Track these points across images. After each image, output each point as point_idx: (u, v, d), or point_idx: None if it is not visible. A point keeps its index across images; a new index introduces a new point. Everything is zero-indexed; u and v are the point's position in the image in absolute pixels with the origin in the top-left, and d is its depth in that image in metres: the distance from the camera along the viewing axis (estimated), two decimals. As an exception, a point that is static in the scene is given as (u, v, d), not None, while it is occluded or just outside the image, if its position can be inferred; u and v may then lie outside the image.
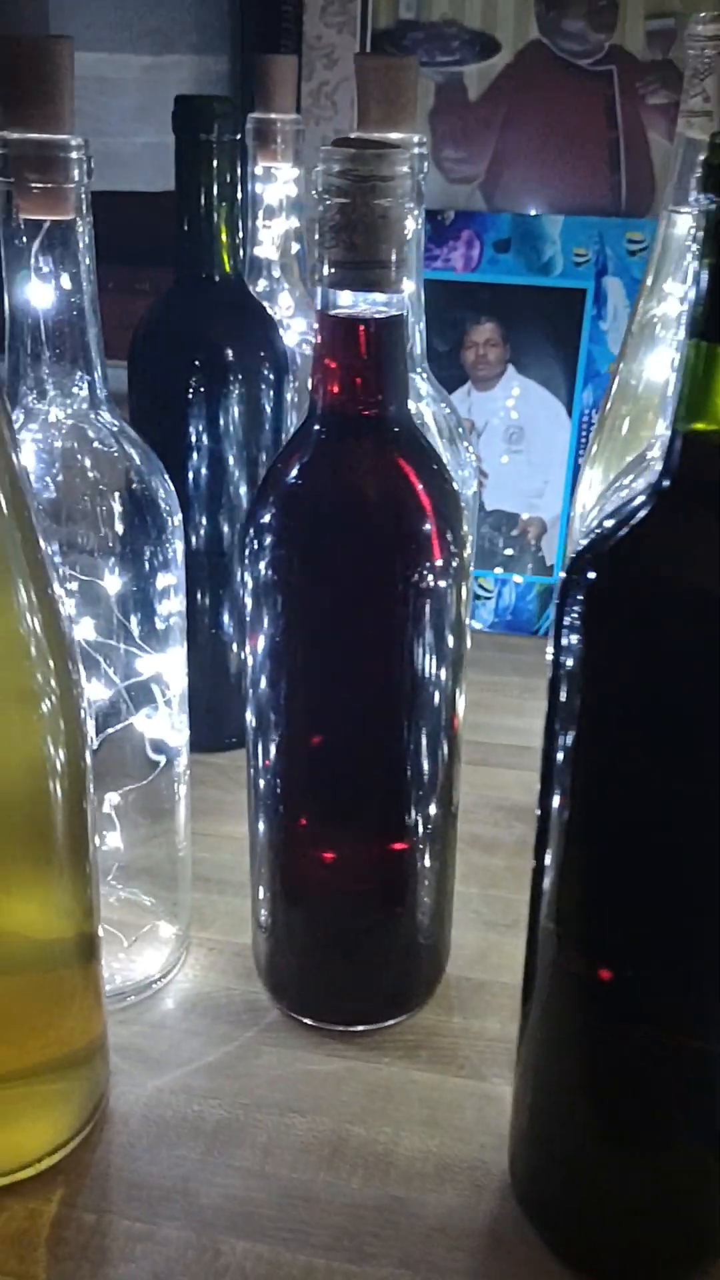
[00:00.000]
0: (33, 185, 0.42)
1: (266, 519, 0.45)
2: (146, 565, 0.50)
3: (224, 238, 0.64)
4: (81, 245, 0.45)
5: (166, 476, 0.49)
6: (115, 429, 0.48)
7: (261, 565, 0.45)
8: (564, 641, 0.35)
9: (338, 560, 0.44)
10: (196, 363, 0.65)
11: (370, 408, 0.43)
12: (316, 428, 0.44)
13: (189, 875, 0.57)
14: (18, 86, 0.41)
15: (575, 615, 0.34)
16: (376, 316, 0.42)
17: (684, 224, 0.53)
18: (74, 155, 0.43)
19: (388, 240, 0.41)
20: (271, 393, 0.67)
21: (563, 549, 0.88)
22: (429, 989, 0.53)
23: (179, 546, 0.50)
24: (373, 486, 0.44)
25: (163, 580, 0.51)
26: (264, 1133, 0.47)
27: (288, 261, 0.74)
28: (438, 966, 0.53)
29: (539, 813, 0.39)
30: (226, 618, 0.71)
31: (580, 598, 0.34)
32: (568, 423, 0.86)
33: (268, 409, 0.67)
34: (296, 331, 0.74)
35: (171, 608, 0.51)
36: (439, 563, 0.44)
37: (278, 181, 0.72)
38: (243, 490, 0.68)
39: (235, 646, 0.72)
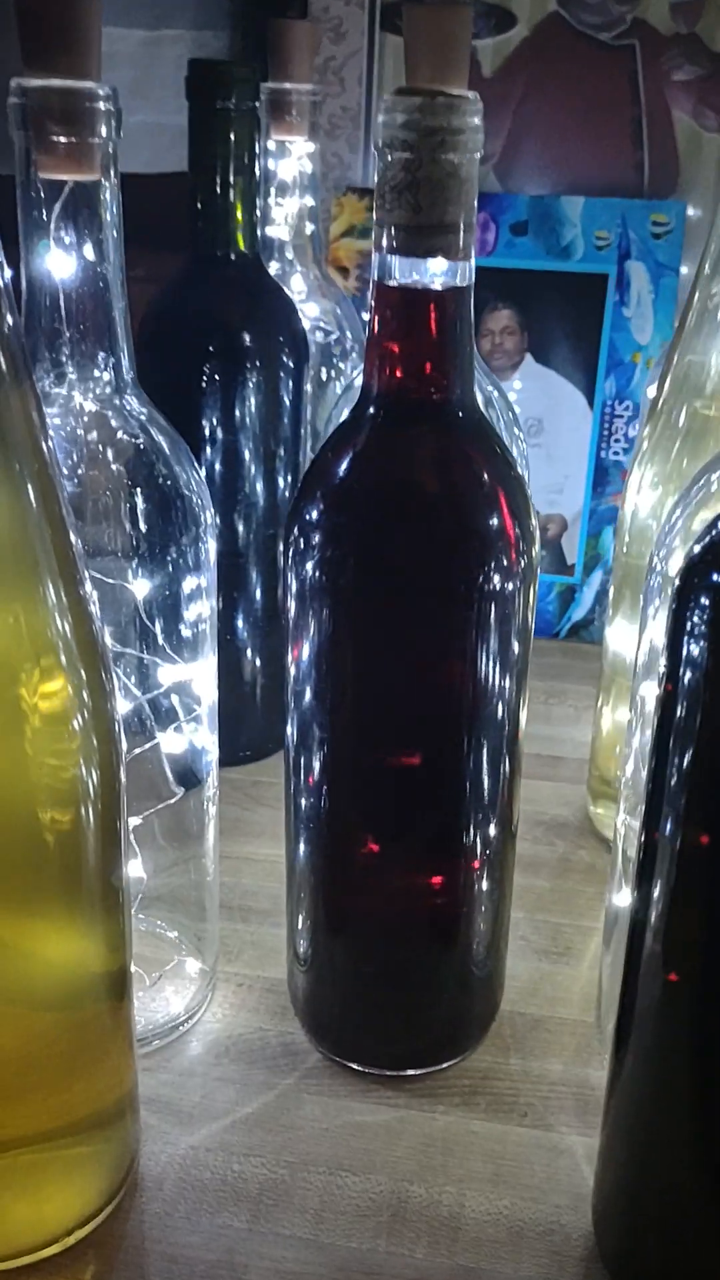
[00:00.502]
0: (55, 139, 0.37)
1: (314, 515, 0.41)
2: (175, 566, 0.45)
3: (240, 214, 0.60)
4: (108, 210, 0.40)
5: (198, 469, 0.45)
6: (144, 416, 0.43)
7: (309, 566, 0.41)
8: (686, 651, 0.30)
9: (398, 560, 0.39)
10: (211, 348, 0.60)
11: (434, 390, 0.39)
12: (371, 412, 0.40)
13: (217, 904, 0.52)
14: (42, 28, 0.36)
15: (703, 619, 0.30)
16: (442, 288, 0.38)
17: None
18: (101, 106, 0.38)
19: (456, 201, 0.37)
20: (290, 381, 0.62)
21: (584, 547, 0.84)
22: (483, 1027, 0.49)
23: (211, 546, 0.46)
24: (438, 478, 0.40)
25: (192, 582, 0.46)
26: (314, 1195, 0.42)
27: (301, 242, 0.70)
28: (493, 1002, 0.49)
29: (643, 842, 0.34)
30: (241, 622, 0.66)
31: (713, 599, 0.29)
32: (589, 415, 0.82)
33: (287, 398, 0.62)
34: (309, 317, 0.70)
35: (202, 612, 0.47)
36: (507, 563, 0.40)
37: (292, 156, 0.68)
38: (259, 486, 0.64)
39: (250, 653, 0.67)
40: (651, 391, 0.65)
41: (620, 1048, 0.38)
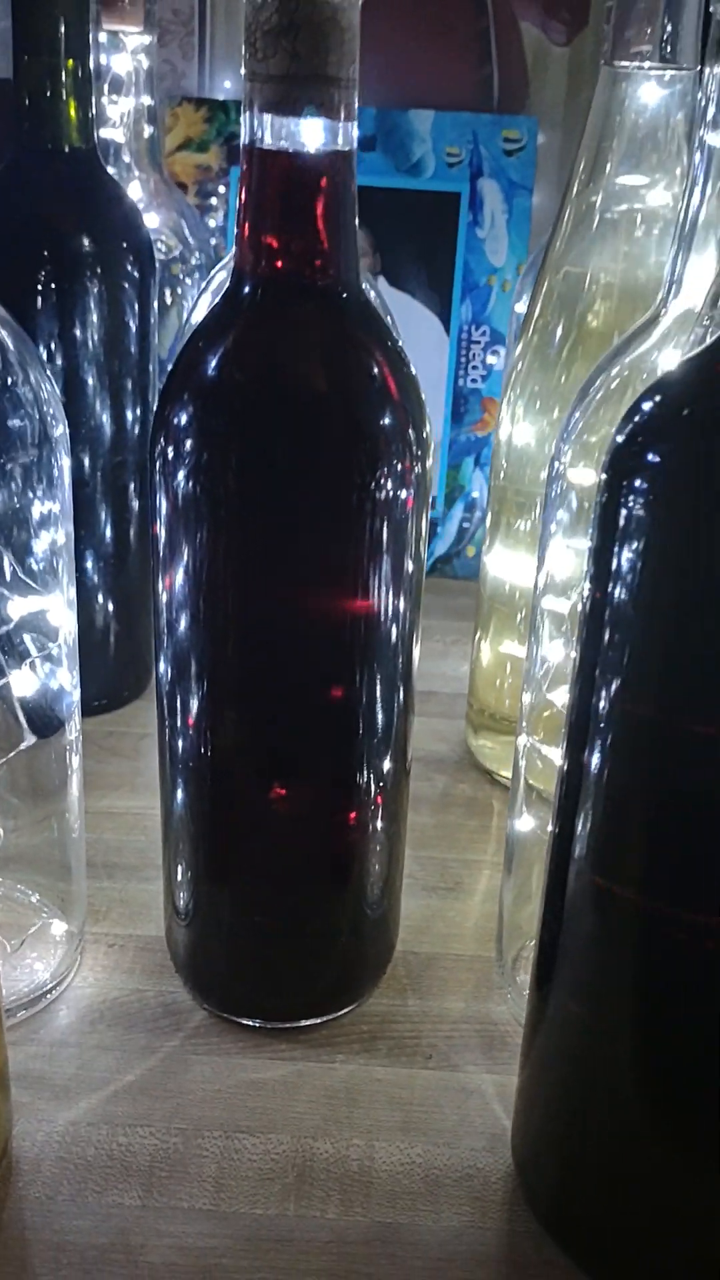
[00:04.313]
0: None
1: (184, 418, 0.36)
2: (20, 484, 0.40)
3: (73, 105, 0.54)
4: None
5: (49, 372, 0.40)
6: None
7: (180, 477, 0.36)
8: (619, 546, 0.28)
9: (284, 463, 0.35)
10: (45, 253, 0.54)
11: (315, 269, 0.35)
12: (245, 295, 0.35)
13: (83, 862, 0.47)
14: None
15: (645, 507, 0.27)
16: (323, 150, 0.34)
17: (636, 87, 0.46)
18: None
19: (337, 49, 0.33)
20: (135, 292, 0.57)
21: (444, 480, 0.81)
22: (379, 970, 0.46)
23: (65, 464, 0.41)
24: (325, 368, 0.36)
25: (43, 506, 0.41)
26: (212, 1162, 0.39)
27: (139, 146, 0.64)
28: (388, 944, 0.46)
29: (566, 767, 0.32)
30: (90, 561, 0.61)
31: (653, 481, 0.27)
32: (445, 340, 0.79)
33: (131, 312, 0.57)
34: (150, 227, 0.64)
35: (56, 538, 0.42)
36: (403, 468, 0.36)
37: (126, 50, 0.62)
38: (104, 409, 0.58)
39: (101, 595, 0.62)
40: (519, 309, 0.63)
41: (542, 982, 0.35)
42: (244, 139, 0.34)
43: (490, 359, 0.79)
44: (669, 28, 0.46)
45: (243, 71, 0.33)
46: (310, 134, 0.33)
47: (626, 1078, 0.33)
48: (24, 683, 0.43)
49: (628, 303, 0.49)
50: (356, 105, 0.34)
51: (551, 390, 0.52)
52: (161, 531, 0.38)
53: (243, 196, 0.35)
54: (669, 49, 0.46)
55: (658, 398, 0.29)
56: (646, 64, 0.47)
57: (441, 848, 0.55)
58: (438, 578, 0.81)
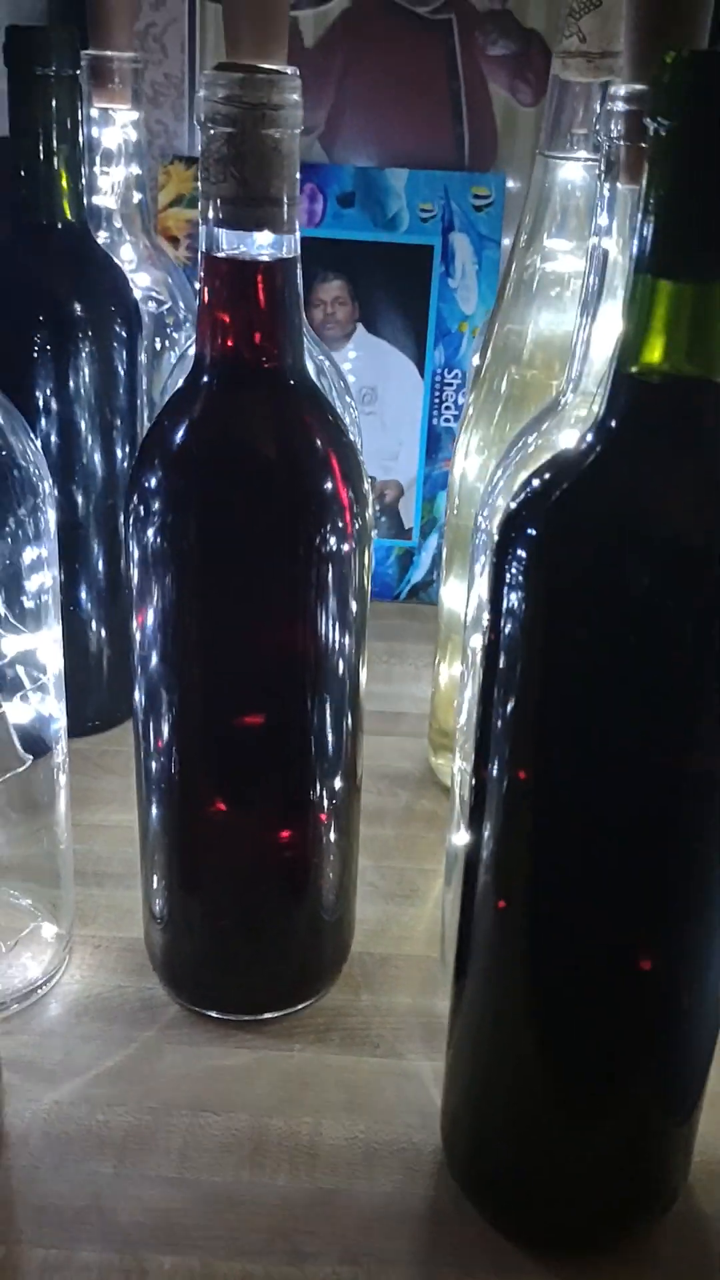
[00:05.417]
0: None
1: (153, 482, 0.42)
2: (14, 537, 0.45)
3: (65, 181, 0.59)
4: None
5: (32, 437, 0.45)
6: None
7: (149, 532, 0.42)
8: (505, 601, 0.33)
9: (236, 523, 0.41)
10: (41, 318, 0.60)
11: (265, 358, 0.40)
12: (205, 380, 0.41)
13: (71, 871, 0.53)
14: None
15: (519, 569, 0.32)
16: (269, 259, 0.39)
17: (566, 170, 0.51)
18: None
19: (279, 175, 0.38)
20: (124, 351, 0.63)
21: (420, 511, 0.86)
22: (335, 969, 0.51)
23: (51, 516, 0.46)
24: (272, 443, 0.41)
25: (33, 552, 0.46)
26: (178, 1136, 0.44)
27: (129, 211, 0.70)
28: (343, 945, 0.51)
29: (474, 783, 0.37)
30: (84, 593, 0.67)
31: (528, 551, 0.32)
32: (420, 383, 0.84)
33: (121, 367, 0.63)
34: (140, 286, 0.70)
35: (44, 582, 0.47)
36: (342, 524, 0.42)
37: (115, 125, 0.68)
38: (96, 457, 0.64)
39: (95, 624, 0.68)
40: (476, 360, 0.68)
41: (460, 975, 0.40)
42: (201, 247, 0.40)
43: (461, 399, 0.84)
44: (597, 123, 0.51)
45: (199, 190, 0.39)
46: (258, 244, 0.39)
47: (524, 1057, 0.38)
48: (18, 711, 0.49)
49: (559, 359, 0.54)
50: (298, 220, 0.39)
51: (494, 438, 0.57)
52: (134, 577, 0.43)
53: (203, 297, 0.40)
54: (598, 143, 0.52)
55: (543, 476, 0.34)
56: (578, 153, 0.52)
57: (401, 858, 0.60)
58: (413, 604, 0.86)
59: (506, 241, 0.82)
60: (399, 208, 0.83)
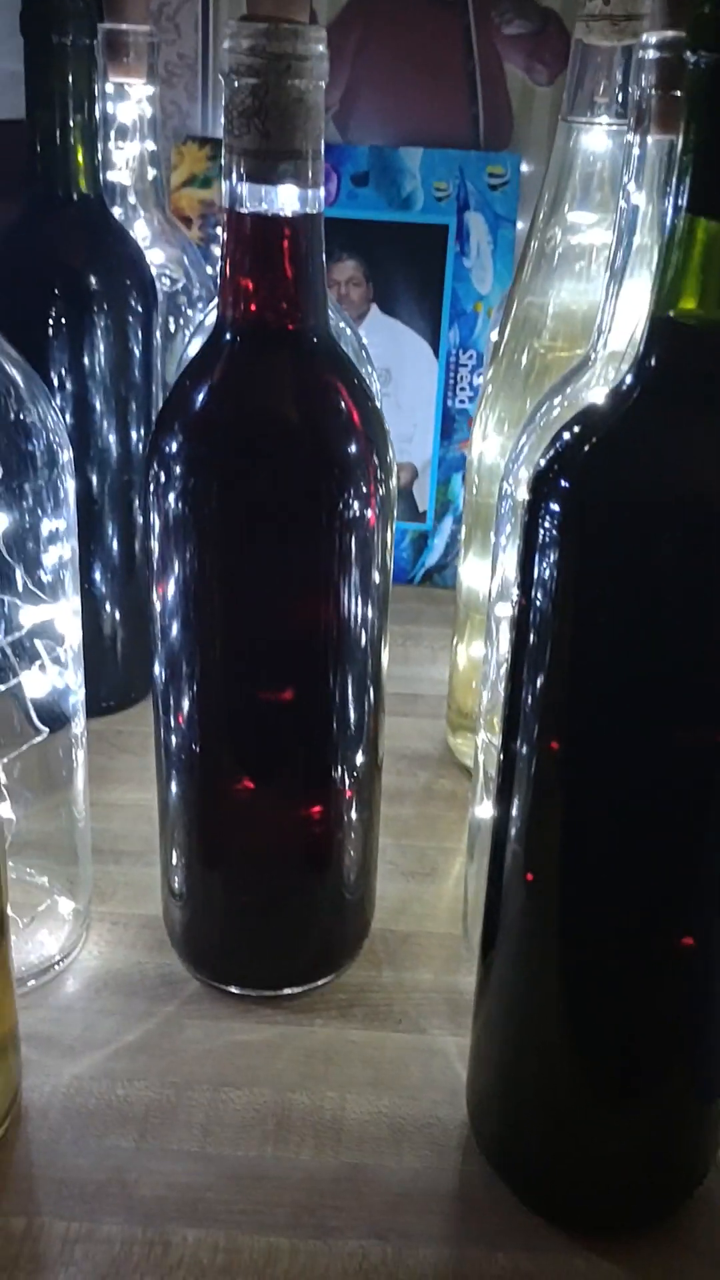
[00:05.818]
0: None
1: (174, 447, 0.41)
2: (34, 504, 0.45)
3: (82, 153, 0.59)
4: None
5: (55, 404, 0.44)
6: (-6, 349, 0.43)
7: (170, 499, 0.41)
8: (537, 562, 0.32)
9: (260, 489, 0.40)
10: (56, 290, 0.59)
11: (288, 318, 0.40)
12: (227, 340, 0.40)
13: (89, 848, 0.52)
14: None
15: (552, 524, 0.31)
16: (293, 214, 0.38)
17: (589, 139, 0.51)
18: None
19: (304, 127, 0.37)
20: (139, 326, 0.62)
21: (434, 494, 0.86)
22: (356, 945, 0.50)
23: (70, 485, 0.46)
24: (297, 406, 0.40)
25: (50, 524, 0.46)
26: (200, 1111, 0.43)
27: (143, 188, 0.69)
28: (364, 921, 0.51)
29: (502, 755, 0.36)
30: (99, 573, 0.66)
31: (563, 506, 0.31)
32: (435, 364, 0.84)
33: (136, 343, 0.62)
34: (154, 264, 0.69)
35: (62, 554, 0.46)
36: (367, 490, 0.41)
37: (130, 100, 0.67)
38: (111, 433, 0.63)
39: (109, 604, 0.67)
40: (494, 337, 0.68)
41: (487, 950, 0.40)
42: (225, 203, 0.39)
43: (477, 380, 0.83)
44: (620, 88, 0.50)
45: (224, 144, 0.38)
46: (281, 199, 0.38)
47: (555, 1035, 0.37)
48: (35, 683, 0.48)
49: (581, 332, 0.53)
50: (323, 173, 0.39)
51: (517, 413, 0.56)
52: (155, 547, 0.43)
53: (226, 255, 0.39)
54: (622, 106, 0.51)
55: (575, 429, 0.33)
56: (600, 119, 0.51)
57: (422, 837, 0.59)
58: (428, 587, 0.85)
59: (521, 224, 0.82)
60: (414, 187, 0.82)
